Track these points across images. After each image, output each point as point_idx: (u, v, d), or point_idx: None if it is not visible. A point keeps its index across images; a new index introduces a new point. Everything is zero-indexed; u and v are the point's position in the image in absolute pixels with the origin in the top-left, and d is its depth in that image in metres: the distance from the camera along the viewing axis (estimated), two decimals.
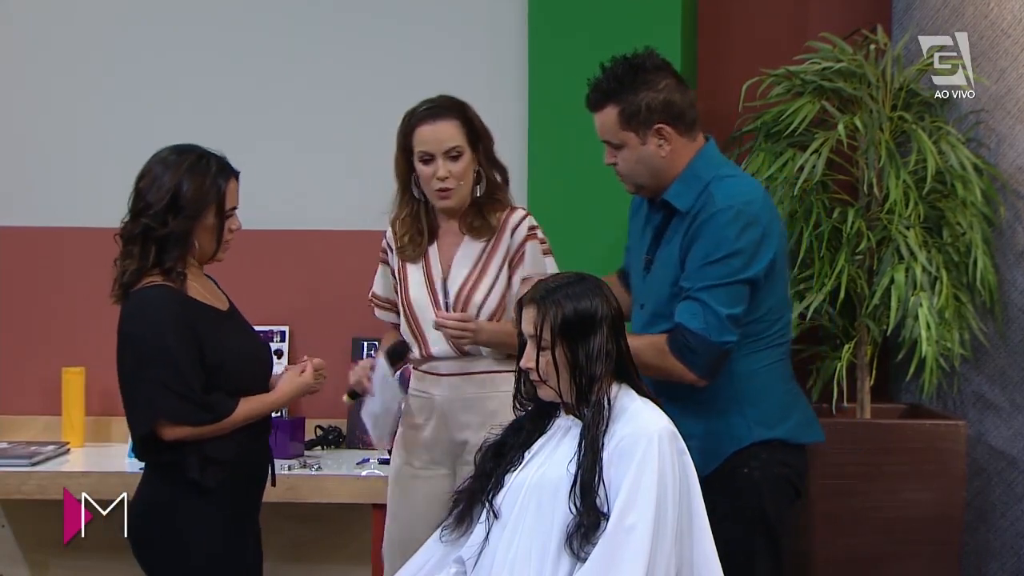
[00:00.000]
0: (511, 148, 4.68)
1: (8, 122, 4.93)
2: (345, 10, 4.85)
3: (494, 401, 3.63)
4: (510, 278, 3.68)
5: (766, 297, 3.40)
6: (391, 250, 3.78)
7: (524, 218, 3.72)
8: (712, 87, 4.84)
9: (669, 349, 3.33)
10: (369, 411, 3.71)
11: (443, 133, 3.63)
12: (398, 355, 3.67)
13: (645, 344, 3.34)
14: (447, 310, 3.65)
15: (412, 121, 3.68)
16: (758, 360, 3.41)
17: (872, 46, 4.58)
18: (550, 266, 3.71)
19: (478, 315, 3.65)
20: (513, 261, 3.69)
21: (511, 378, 3.38)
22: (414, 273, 3.72)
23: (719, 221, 3.33)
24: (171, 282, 3.24)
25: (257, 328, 4.72)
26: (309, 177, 4.86)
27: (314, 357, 3.53)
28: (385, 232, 3.81)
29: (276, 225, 4.84)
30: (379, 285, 3.86)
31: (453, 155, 3.63)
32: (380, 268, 3.84)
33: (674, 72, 3.46)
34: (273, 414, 3.59)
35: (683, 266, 3.38)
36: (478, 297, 3.66)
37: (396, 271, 3.77)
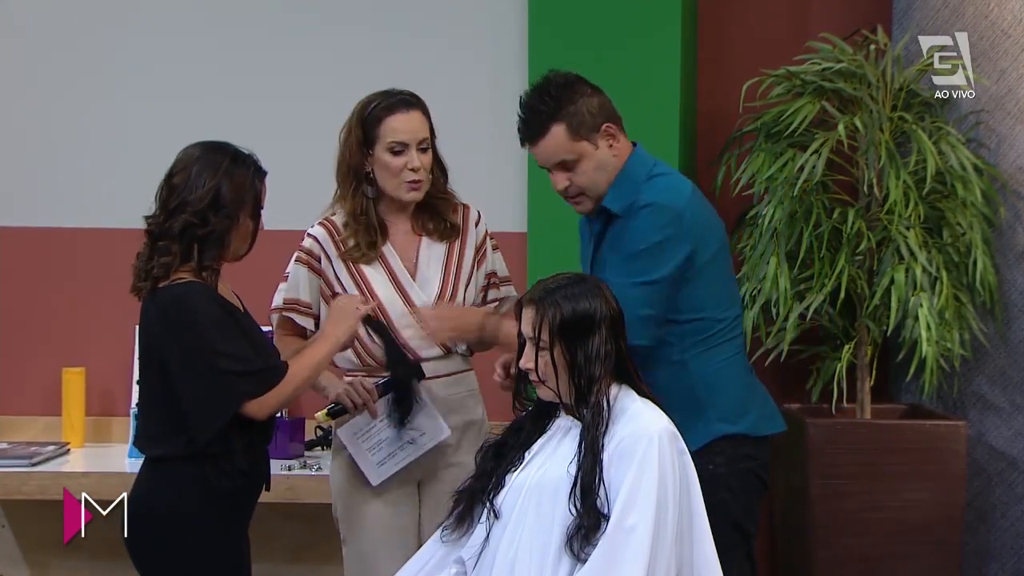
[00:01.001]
0: (510, 148, 4.66)
1: (9, 123, 4.93)
2: (347, 10, 4.85)
3: (472, 400, 3.65)
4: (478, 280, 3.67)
5: (703, 294, 3.35)
6: (326, 255, 3.61)
7: (480, 216, 3.70)
8: (712, 87, 4.84)
9: None
10: (372, 437, 3.55)
11: (416, 123, 3.56)
12: (419, 376, 3.54)
13: None
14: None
15: (378, 111, 3.57)
16: (713, 357, 3.38)
17: (872, 46, 4.58)
18: (500, 261, 3.71)
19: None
20: (478, 257, 3.67)
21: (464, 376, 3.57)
22: (374, 274, 3.59)
23: (640, 216, 3.31)
24: (203, 280, 3.23)
25: None
26: (308, 177, 4.85)
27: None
28: (310, 234, 3.65)
29: (276, 225, 4.82)
30: (303, 291, 3.61)
31: (423, 147, 3.56)
32: (302, 273, 3.62)
33: (585, 80, 3.44)
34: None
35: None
36: (459, 299, 3.61)
37: (347, 275, 3.59)
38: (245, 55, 4.87)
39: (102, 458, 4.63)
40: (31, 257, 4.91)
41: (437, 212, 3.63)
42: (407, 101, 3.59)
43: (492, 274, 3.70)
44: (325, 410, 3.52)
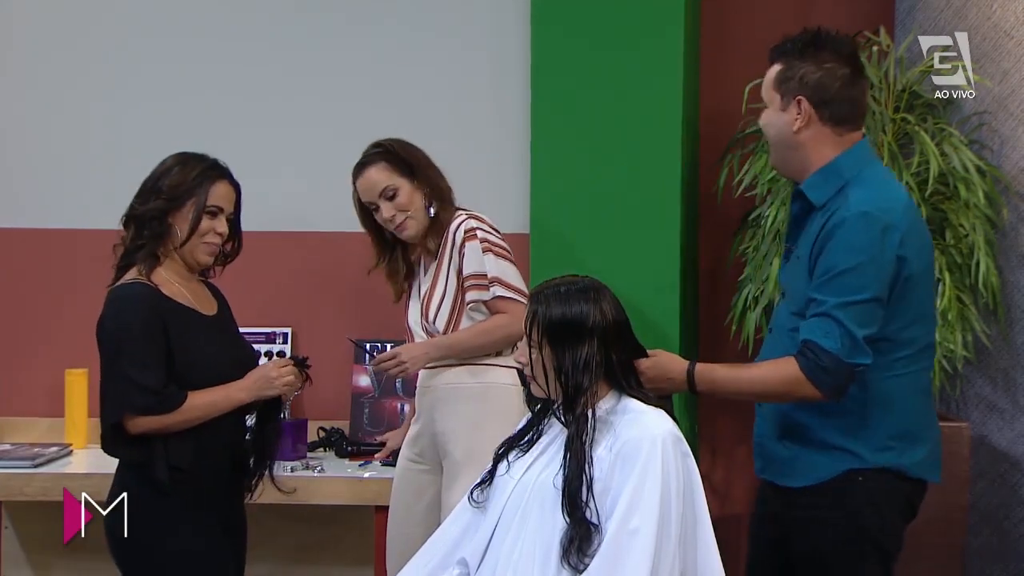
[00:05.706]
0: (514, 148, 4.69)
1: (9, 123, 4.94)
2: (350, 11, 4.85)
3: (464, 391, 3.91)
4: (461, 284, 3.88)
5: (905, 309, 3.19)
6: None
7: (461, 223, 3.90)
8: (715, 88, 4.84)
9: (802, 372, 3.13)
10: None
11: (372, 180, 3.91)
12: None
13: (771, 372, 3.20)
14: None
15: (353, 180, 3.98)
16: (902, 379, 3.23)
17: (875, 48, 4.58)
18: (488, 263, 3.87)
19: (433, 326, 3.90)
20: (459, 266, 3.88)
21: (469, 367, 3.88)
22: (412, 304, 4.03)
23: (850, 227, 3.13)
24: (147, 280, 3.34)
25: (260, 330, 4.77)
26: (312, 179, 4.86)
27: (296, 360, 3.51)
28: None
29: (279, 227, 4.84)
30: None
31: (388, 195, 3.89)
32: None
33: (852, 62, 3.32)
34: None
35: (813, 265, 3.20)
36: (432, 309, 3.91)
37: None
38: (246, 55, 4.87)
39: (104, 459, 4.57)
40: (34, 258, 4.92)
41: (437, 232, 3.95)
42: (361, 164, 3.95)
43: (470, 276, 3.87)
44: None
